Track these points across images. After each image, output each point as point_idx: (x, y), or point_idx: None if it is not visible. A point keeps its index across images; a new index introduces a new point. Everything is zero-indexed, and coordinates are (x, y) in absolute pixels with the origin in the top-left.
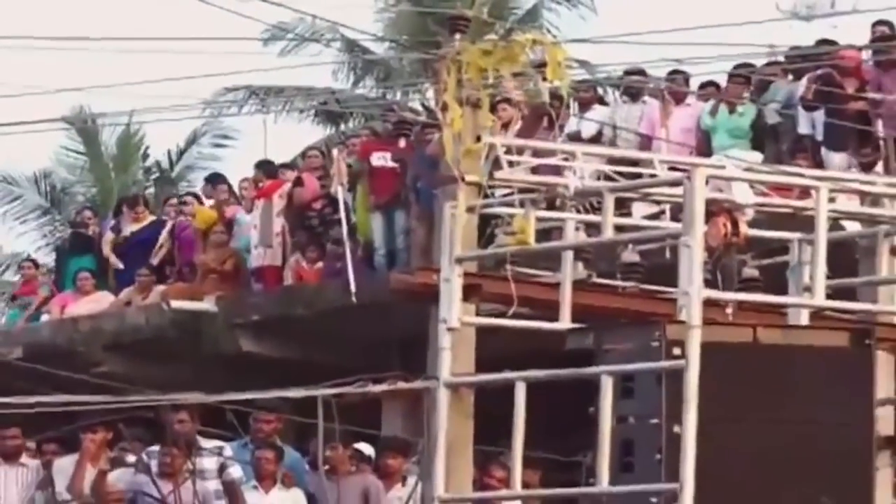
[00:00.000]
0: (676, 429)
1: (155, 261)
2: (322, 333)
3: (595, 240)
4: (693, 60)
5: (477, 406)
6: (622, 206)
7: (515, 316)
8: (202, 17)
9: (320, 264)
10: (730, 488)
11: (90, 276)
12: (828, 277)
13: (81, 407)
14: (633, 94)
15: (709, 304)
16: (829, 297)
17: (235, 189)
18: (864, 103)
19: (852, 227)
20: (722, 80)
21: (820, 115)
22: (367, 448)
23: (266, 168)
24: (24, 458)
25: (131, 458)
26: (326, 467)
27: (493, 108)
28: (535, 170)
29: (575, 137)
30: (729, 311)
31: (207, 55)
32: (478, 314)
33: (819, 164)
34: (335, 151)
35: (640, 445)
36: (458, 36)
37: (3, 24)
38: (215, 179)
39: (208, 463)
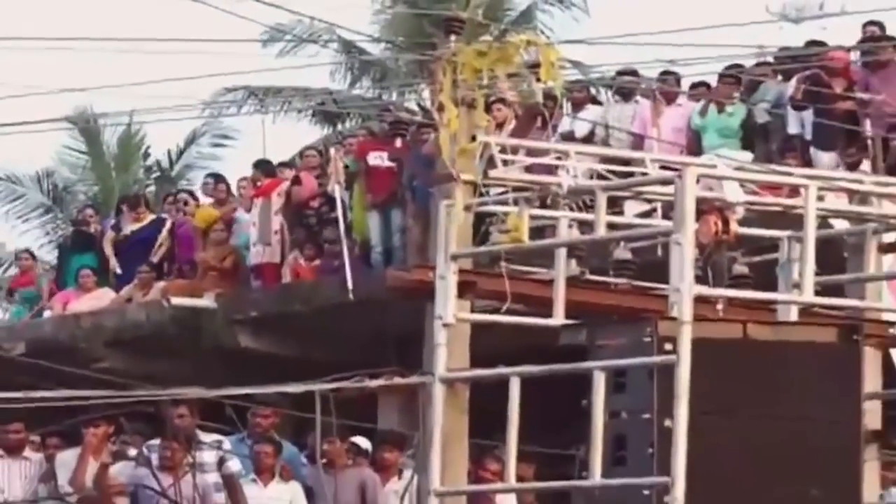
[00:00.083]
0: (668, 423)
1: (155, 259)
2: (320, 330)
3: (588, 237)
4: (685, 61)
5: (472, 401)
6: (614, 205)
7: (510, 312)
8: (202, 19)
9: (318, 262)
10: (720, 482)
11: (91, 274)
12: (816, 274)
13: (83, 402)
14: (625, 95)
15: (700, 300)
16: (817, 293)
17: (233, 188)
18: (853, 103)
19: (840, 224)
20: (713, 81)
21: (809, 115)
22: (363, 442)
23: (264, 167)
24: (27, 452)
25: (132, 452)
26: (324, 461)
27: (487, 109)
28: (528, 169)
29: (568, 137)
30: (719, 307)
31: (207, 56)
32: (473, 311)
33: (808, 163)
34: (332, 151)
35: (633, 439)
36: (453, 37)
37: (4, 25)
38: (216, 179)
39: (208, 456)
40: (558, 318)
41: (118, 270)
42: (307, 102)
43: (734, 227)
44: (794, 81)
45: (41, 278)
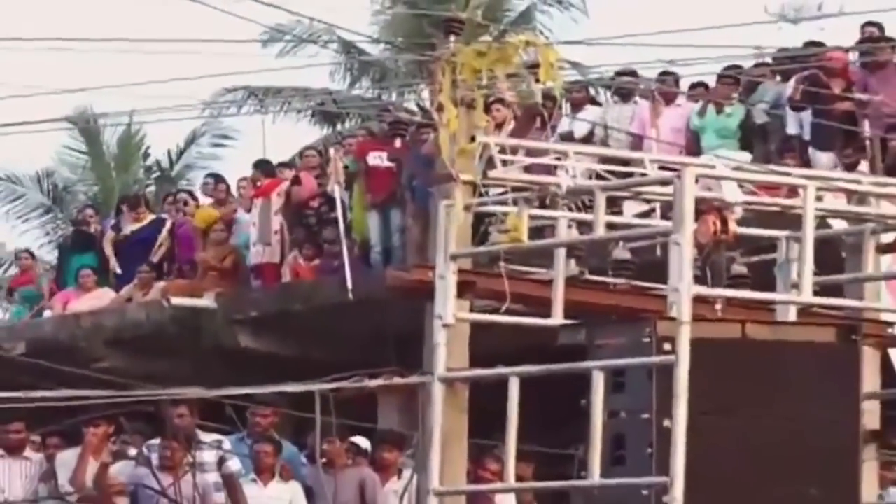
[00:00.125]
0: (667, 423)
1: (155, 259)
2: (319, 329)
3: (587, 237)
4: (683, 62)
5: (471, 400)
6: (613, 205)
7: (509, 312)
8: (202, 19)
9: (317, 261)
10: (719, 481)
11: (91, 274)
12: (815, 274)
13: (83, 401)
14: (624, 95)
15: (698, 300)
16: (816, 293)
17: (233, 188)
18: (851, 104)
19: (839, 225)
20: (711, 82)
21: (807, 116)
22: (363, 442)
23: (264, 167)
24: (27, 452)
25: (132, 452)
26: (323, 460)
27: (487, 109)
28: (528, 169)
29: (567, 137)
30: (718, 307)
31: (207, 56)
32: (472, 310)
33: (806, 163)
34: (332, 151)
35: (632, 439)
36: (452, 38)
37: (4, 25)
38: (215, 179)
39: (208, 456)
40: (557, 318)
41: (118, 270)
42: (307, 103)
43: (733, 228)
44: (792, 82)
45: (41, 278)
